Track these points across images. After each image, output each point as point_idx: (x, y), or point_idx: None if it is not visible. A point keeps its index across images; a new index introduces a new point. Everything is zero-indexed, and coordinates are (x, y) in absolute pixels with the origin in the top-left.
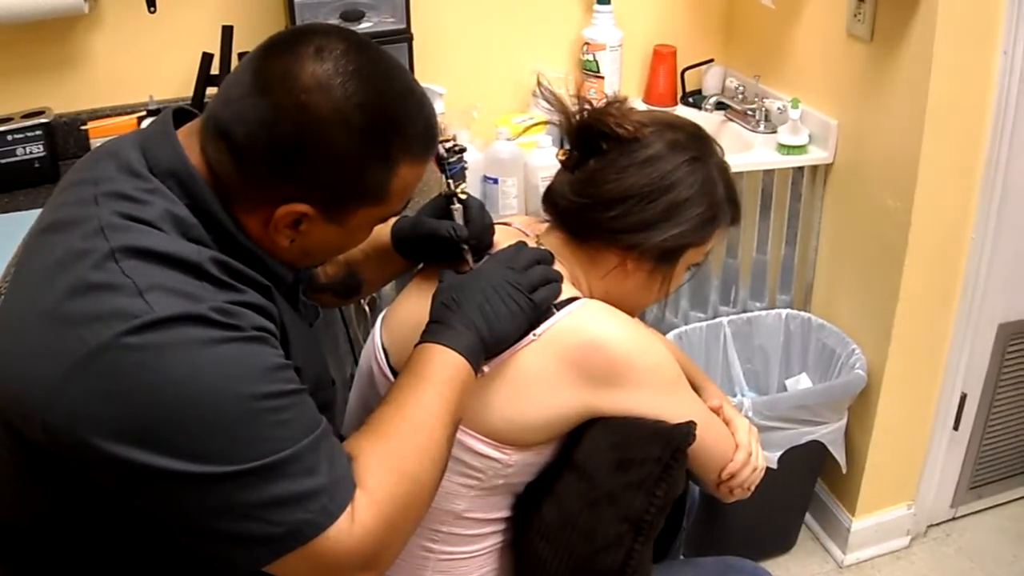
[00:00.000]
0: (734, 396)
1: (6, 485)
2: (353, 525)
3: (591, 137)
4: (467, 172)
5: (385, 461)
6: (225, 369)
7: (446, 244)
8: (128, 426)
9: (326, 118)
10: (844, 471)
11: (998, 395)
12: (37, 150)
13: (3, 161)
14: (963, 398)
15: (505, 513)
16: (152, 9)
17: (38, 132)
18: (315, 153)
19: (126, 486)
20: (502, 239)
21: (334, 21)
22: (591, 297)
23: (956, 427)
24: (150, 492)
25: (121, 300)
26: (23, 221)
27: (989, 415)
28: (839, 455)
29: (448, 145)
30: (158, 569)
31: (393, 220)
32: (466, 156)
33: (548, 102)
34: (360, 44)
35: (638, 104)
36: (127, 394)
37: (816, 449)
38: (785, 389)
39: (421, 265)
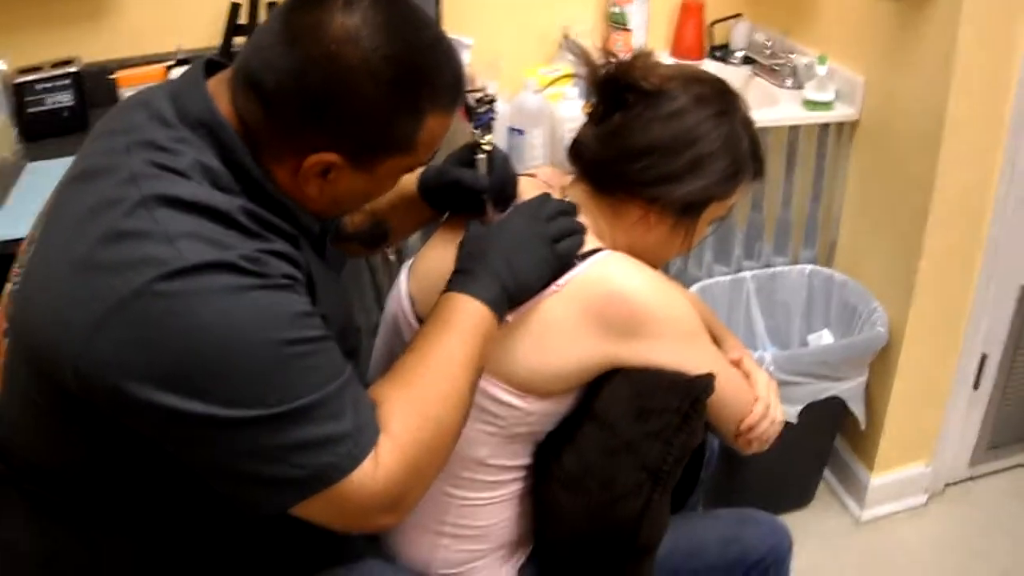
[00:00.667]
0: (756, 351)
1: (39, 429)
2: (377, 468)
3: (617, 90)
4: (494, 123)
5: (409, 407)
6: (253, 315)
7: (469, 193)
8: (158, 371)
9: (354, 68)
10: (863, 428)
11: (1018, 356)
12: (66, 99)
13: (33, 110)
14: (983, 358)
15: (526, 461)
16: None
17: (67, 81)
18: (343, 103)
19: (156, 430)
20: (527, 190)
21: None
22: (615, 249)
23: (976, 387)
24: (180, 435)
25: (152, 247)
26: (52, 170)
27: (1009, 376)
28: (859, 411)
29: (478, 96)
30: (187, 512)
31: (420, 170)
32: (494, 107)
33: (574, 55)
34: None
35: (665, 58)
36: (157, 340)
37: (836, 405)
38: (807, 345)
39: (447, 215)
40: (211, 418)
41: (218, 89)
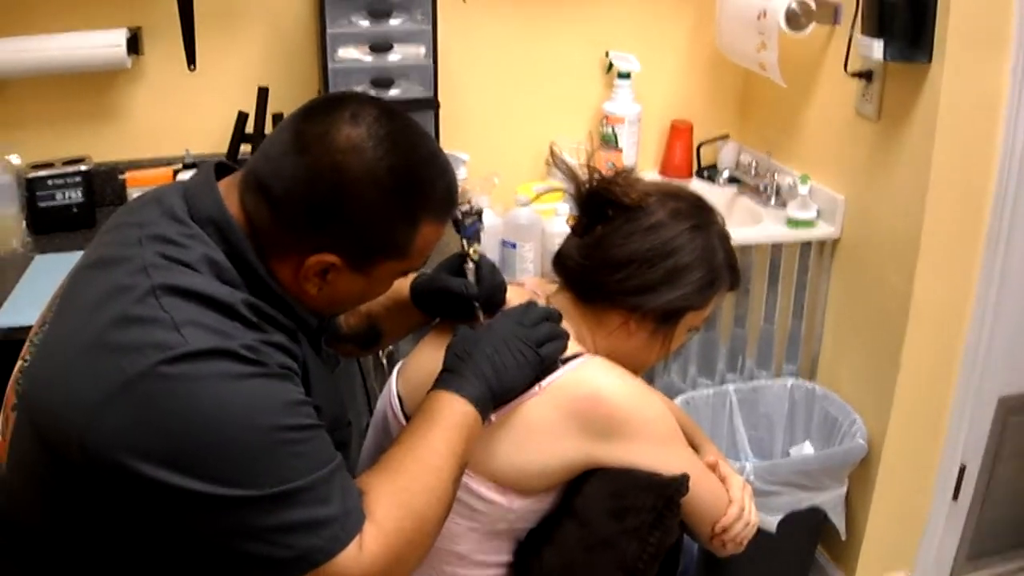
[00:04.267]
0: (738, 462)
1: (42, 503)
2: (361, 553)
3: (599, 204)
4: (483, 235)
5: (394, 497)
6: (251, 401)
7: (458, 300)
8: (158, 448)
9: (359, 178)
10: (843, 538)
11: (997, 467)
12: (76, 196)
13: (44, 204)
14: (962, 469)
15: (506, 558)
16: (192, 67)
17: (78, 179)
18: (347, 209)
19: (153, 505)
20: (515, 298)
21: (365, 87)
22: (596, 354)
23: (955, 498)
24: (175, 511)
25: (159, 333)
26: (59, 262)
27: (988, 487)
28: (839, 522)
29: (464, 208)
30: None
31: (413, 276)
32: (486, 221)
33: (560, 170)
34: (391, 112)
35: (654, 176)
36: (159, 419)
37: (816, 515)
38: (788, 456)
39: (437, 320)
40: (205, 496)
41: (228, 190)
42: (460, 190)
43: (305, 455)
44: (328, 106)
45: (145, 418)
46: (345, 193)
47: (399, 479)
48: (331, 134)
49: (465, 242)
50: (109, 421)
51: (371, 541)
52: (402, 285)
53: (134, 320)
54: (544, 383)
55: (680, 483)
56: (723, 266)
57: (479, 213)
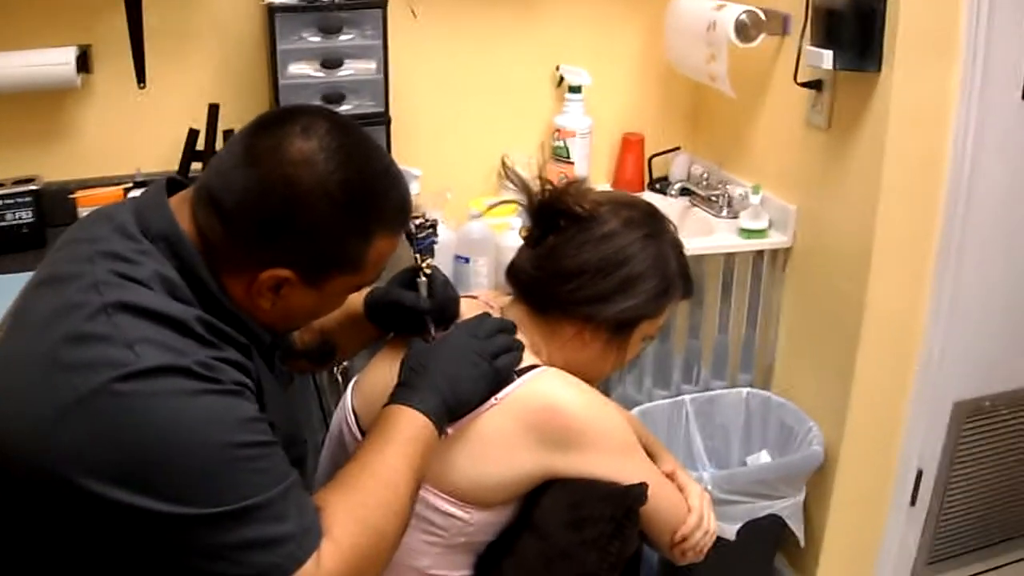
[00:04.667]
0: (695, 472)
1: None
2: (318, 570)
3: (551, 215)
4: (436, 248)
5: (351, 513)
6: (204, 418)
7: (411, 313)
8: (110, 466)
9: (310, 190)
10: (802, 545)
11: (954, 472)
12: (26, 216)
13: None
14: (919, 474)
15: (467, 572)
16: (142, 85)
17: (27, 199)
18: (298, 222)
19: (106, 524)
20: (468, 310)
21: (316, 103)
22: (551, 365)
23: (913, 503)
24: (129, 530)
25: (111, 350)
26: (9, 285)
27: (946, 492)
28: (797, 529)
29: (418, 221)
30: None
31: (366, 290)
32: (439, 235)
33: (512, 183)
34: (343, 125)
35: (607, 188)
36: (111, 436)
37: (775, 523)
38: (746, 465)
39: (392, 334)
40: (158, 514)
41: (179, 206)
42: (413, 204)
43: (260, 472)
44: (280, 119)
45: (98, 436)
46: (297, 206)
47: (355, 495)
48: (283, 147)
49: (418, 256)
50: (61, 439)
51: (328, 558)
52: (355, 300)
53: (86, 337)
54: (500, 395)
55: (638, 492)
56: (676, 274)
57: (433, 226)
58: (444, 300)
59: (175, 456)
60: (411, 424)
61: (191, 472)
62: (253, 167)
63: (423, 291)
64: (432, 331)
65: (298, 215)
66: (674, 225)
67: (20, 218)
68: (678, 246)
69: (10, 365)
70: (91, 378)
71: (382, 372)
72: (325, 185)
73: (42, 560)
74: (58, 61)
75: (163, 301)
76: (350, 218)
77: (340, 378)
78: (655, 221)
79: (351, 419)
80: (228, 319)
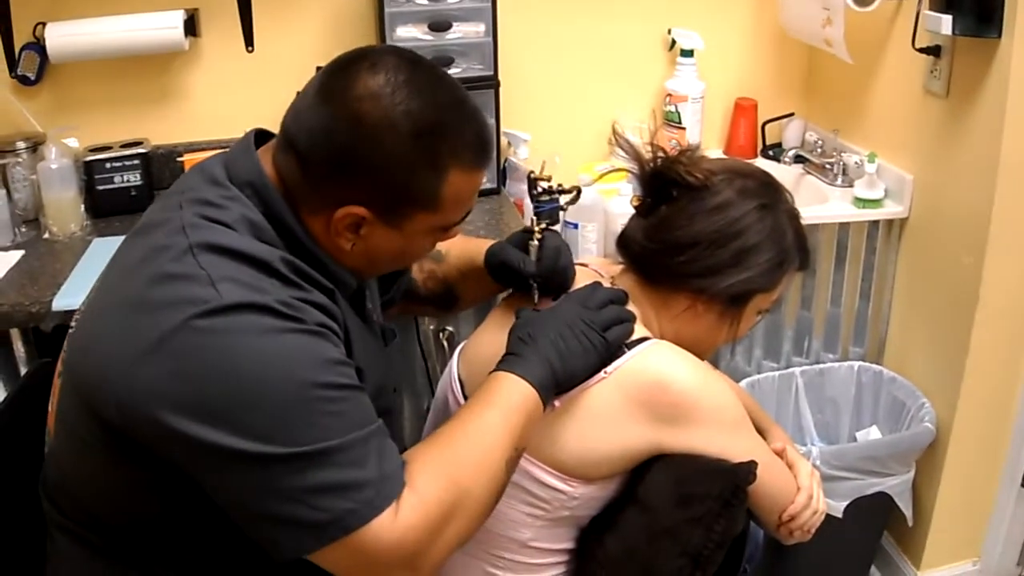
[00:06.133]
0: (804, 446)
1: (87, 470)
2: (396, 520)
3: (663, 184)
4: (562, 214)
5: (438, 468)
6: (285, 356)
7: (518, 275)
8: (190, 402)
9: (376, 124)
10: (910, 524)
11: None
12: (134, 179)
13: (102, 188)
14: None
15: (569, 545)
16: (250, 48)
17: (136, 162)
18: (367, 157)
19: (187, 461)
20: (579, 279)
21: None
22: (662, 338)
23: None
24: (207, 466)
25: (194, 288)
26: (118, 245)
27: None
28: (906, 508)
29: (543, 186)
30: (231, 554)
31: (490, 242)
32: (562, 200)
33: (623, 150)
34: (413, 60)
35: (718, 155)
36: (192, 372)
37: (883, 501)
38: (855, 440)
39: (502, 297)
40: (237, 451)
41: (266, 155)
42: (540, 168)
43: (342, 414)
44: (351, 58)
45: (178, 371)
46: (364, 140)
47: (446, 451)
48: (350, 83)
49: (534, 218)
50: (144, 376)
51: (408, 509)
52: (478, 250)
53: (171, 277)
54: (610, 368)
55: (747, 471)
56: (792, 246)
57: (556, 192)
58: (552, 268)
59: (254, 392)
60: (515, 391)
61: (268, 408)
62: (324, 105)
63: (532, 255)
64: (536, 297)
65: (366, 149)
66: (790, 194)
67: (128, 180)
68: (795, 216)
69: (99, 311)
70: (173, 316)
71: (489, 340)
72: (391, 117)
73: (129, 497)
74: (166, 25)
75: (248, 242)
76: (418, 150)
77: (446, 344)
78: (771, 191)
79: (456, 386)
80: (313, 263)
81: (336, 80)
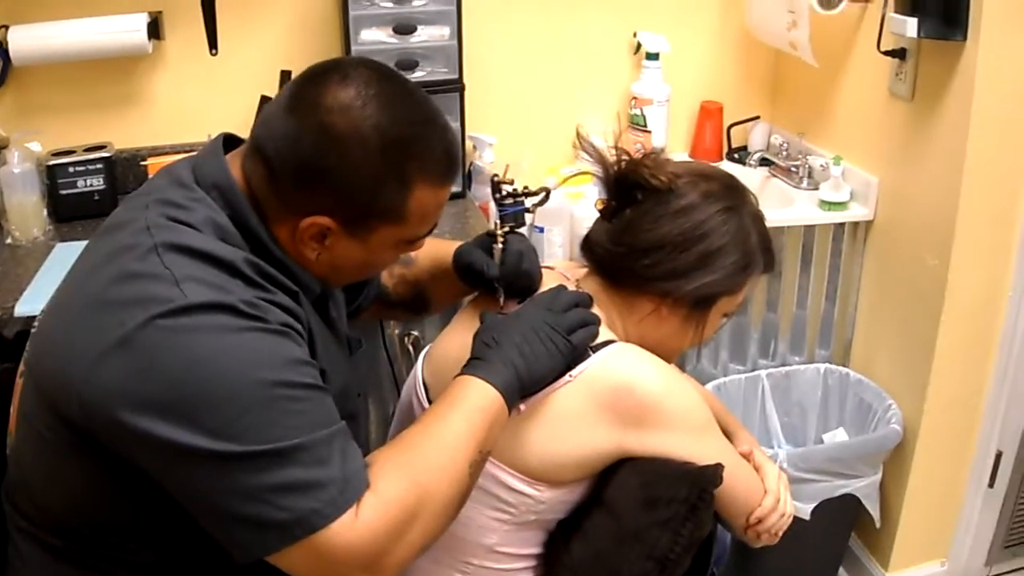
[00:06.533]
0: (771, 448)
1: (48, 469)
2: (356, 521)
3: (627, 187)
4: (528, 217)
5: (400, 470)
6: (248, 354)
7: (482, 277)
8: (152, 400)
9: (344, 137)
10: (878, 525)
11: None
12: (97, 183)
13: (65, 192)
14: (999, 456)
15: (536, 549)
16: (214, 51)
17: (99, 165)
18: (333, 169)
19: (149, 460)
20: (545, 282)
21: None
22: (627, 341)
23: (991, 485)
24: (169, 465)
25: (159, 287)
26: (80, 250)
27: None
28: (873, 509)
29: (507, 189)
30: (195, 553)
31: (458, 244)
32: (529, 203)
33: (587, 153)
34: (384, 74)
35: (683, 158)
36: (154, 370)
37: (850, 502)
38: (822, 443)
39: (467, 301)
40: (200, 450)
41: (234, 160)
42: (504, 171)
43: (304, 413)
44: (323, 69)
45: (141, 369)
46: (332, 151)
47: (409, 454)
48: (321, 94)
49: (497, 222)
50: (106, 374)
51: (369, 509)
52: (447, 253)
53: (135, 276)
54: (575, 372)
55: (715, 473)
56: (757, 249)
57: (519, 195)
58: (516, 272)
59: (216, 390)
60: (479, 395)
61: (232, 407)
62: (293, 115)
63: (496, 258)
64: (502, 300)
65: (333, 161)
66: (755, 197)
67: (92, 185)
68: (759, 219)
69: (64, 307)
70: (137, 314)
71: (454, 343)
72: (360, 130)
73: (91, 498)
74: (129, 28)
75: (212, 243)
76: (386, 164)
77: (411, 348)
78: (735, 193)
79: (420, 390)
80: (277, 265)
81: (307, 90)
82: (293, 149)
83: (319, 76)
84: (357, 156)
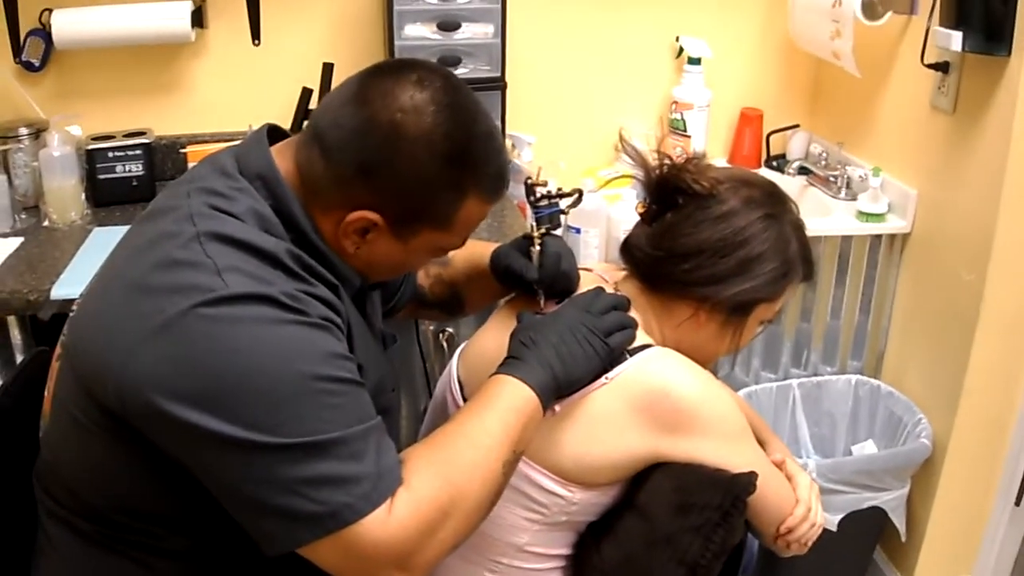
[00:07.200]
0: (799, 458)
1: (80, 451)
2: (389, 517)
3: (669, 192)
4: (563, 218)
5: (434, 467)
6: (287, 347)
7: (520, 279)
8: (190, 389)
9: (415, 138)
10: (903, 539)
11: None
12: (136, 169)
13: (103, 177)
14: None
15: (566, 551)
16: (256, 42)
17: (138, 152)
18: (396, 166)
19: (182, 448)
20: (583, 284)
21: None
22: (664, 345)
23: (1018, 503)
24: (203, 455)
25: (200, 276)
26: (118, 234)
27: None
28: (899, 523)
29: (542, 191)
30: (214, 544)
31: (495, 245)
32: (563, 204)
33: (630, 156)
34: (457, 85)
35: (723, 164)
36: (193, 359)
37: (877, 515)
38: (851, 454)
39: (503, 301)
40: (235, 440)
41: (279, 150)
42: (537, 173)
43: (341, 407)
44: (398, 67)
45: (180, 358)
46: (398, 150)
47: (443, 451)
48: (395, 92)
49: (534, 224)
50: (144, 360)
51: (402, 506)
52: (484, 254)
53: (177, 263)
54: (611, 374)
55: (748, 481)
56: (797, 257)
57: (554, 197)
58: (554, 273)
59: (254, 382)
60: (515, 394)
61: (267, 398)
62: (363, 106)
63: (534, 260)
64: (542, 302)
65: (397, 159)
66: (795, 205)
67: (130, 170)
68: (799, 227)
69: (104, 291)
70: (178, 302)
71: (489, 342)
72: (430, 135)
73: (122, 483)
74: (173, 15)
75: (255, 233)
76: (447, 172)
77: (445, 344)
78: (776, 201)
79: (455, 387)
80: (319, 258)
81: (380, 84)
82: (357, 142)
83: (393, 73)
84: (422, 159)
